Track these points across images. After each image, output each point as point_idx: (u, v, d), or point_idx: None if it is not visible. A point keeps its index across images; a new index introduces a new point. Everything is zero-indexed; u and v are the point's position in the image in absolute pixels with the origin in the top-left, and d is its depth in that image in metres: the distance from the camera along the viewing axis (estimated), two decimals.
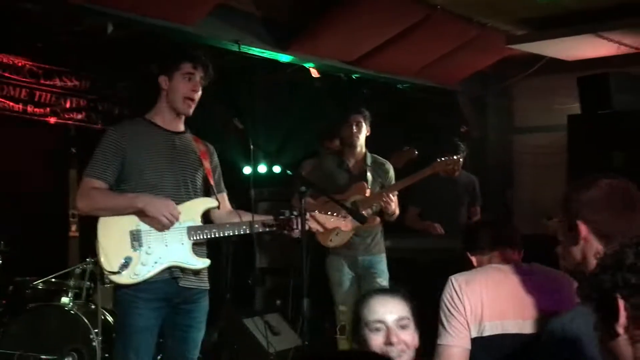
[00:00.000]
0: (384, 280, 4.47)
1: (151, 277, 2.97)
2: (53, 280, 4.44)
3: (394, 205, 4.38)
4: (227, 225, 3.10)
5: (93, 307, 4.32)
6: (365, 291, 2.20)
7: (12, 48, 5.39)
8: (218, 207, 3.18)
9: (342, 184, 4.55)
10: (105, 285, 4.33)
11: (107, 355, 4.08)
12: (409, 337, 2.05)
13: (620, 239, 1.52)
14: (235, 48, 4.93)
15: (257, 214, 3.21)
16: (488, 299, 2.32)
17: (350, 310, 2.24)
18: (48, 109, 5.69)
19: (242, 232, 3.09)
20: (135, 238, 2.98)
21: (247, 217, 3.14)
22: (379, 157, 4.67)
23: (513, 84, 6.78)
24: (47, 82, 5.70)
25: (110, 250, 2.97)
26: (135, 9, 4.24)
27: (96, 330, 4.09)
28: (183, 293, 3.07)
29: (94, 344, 4.06)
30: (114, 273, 2.95)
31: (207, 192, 3.21)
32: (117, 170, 3.04)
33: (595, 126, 5.49)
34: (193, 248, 3.06)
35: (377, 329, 2.04)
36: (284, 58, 5.33)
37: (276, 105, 6.59)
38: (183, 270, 3.05)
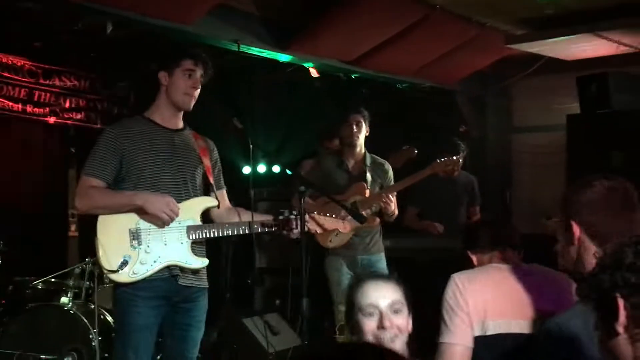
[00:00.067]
0: None
1: (150, 276, 2.97)
2: (52, 280, 4.44)
3: (394, 206, 4.39)
4: (227, 225, 3.09)
5: (92, 306, 4.32)
6: (359, 276, 2.20)
7: (12, 48, 5.39)
8: (218, 207, 3.18)
9: (341, 184, 4.54)
10: (105, 285, 4.34)
11: (106, 355, 4.08)
12: (402, 321, 2.06)
13: (617, 239, 1.53)
14: (234, 48, 4.93)
15: (256, 213, 3.21)
16: (492, 297, 2.32)
17: (345, 295, 2.24)
18: (47, 109, 5.69)
19: (241, 232, 3.09)
20: (135, 237, 2.98)
21: (246, 215, 3.14)
22: (378, 157, 4.67)
23: (512, 83, 6.78)
24: (47, 82, 5.70)
25: (110, 248, 2.97)
26: (135, 8, 4.24)
27: (95, 330, 4.09)
28: (182, 291, 3.07)
29: (93, 343, 4.06)
30: (113, 272, 2.95)
31: (207, 189, 3.21)
32: (115, 169, 3.03)
33: (594, 126, 5.49)
34: (192, 247, 3.05)
35: (370, 314, 2.05)
36: (284, 58, 5.33)
37: (275, 105, 6.59)
38: (182, 269, 3.05)
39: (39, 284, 4.43)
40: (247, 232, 3.08)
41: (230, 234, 3.09)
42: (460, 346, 2.29)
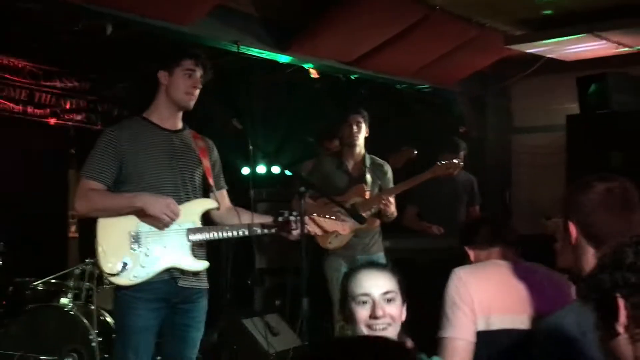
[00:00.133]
0: None
1: (151, 279, 2.97)
2: (52, 281, 4.44)
3: (393, 207, 4.39)
4: (227, 227, 3.09)
5: (92, 307, 4.32)
6: (353, 265, 2.21)
7: (12, 49, 5.39)
8: (218, 209, 3.18)
9: (340, 185, 4.55)
10: (105, 286, 4.34)
11: (106, 355, 4.08)
12: (395, 310, 2.07)
13: (615, 240, 1.53)
14: (234, 49, 4.93)
15: (256, 214, 3.21)
16: (495, 292, 2.32)
17: (339, 284, 2.25)
18: (48, 110, 5.69)
19: (241, 234, 3.09)
20: (135, 239, 2.98)
21: (246, 216, 3.14)
22: (378, 158, 4.67)
23: (512, 84, 6.78)
24: (47, 83, 5.70)
25: (110, 251, 2.97)
26: (135, 9, 4.24)
27: (96, 331, 4.09)
28: (182, 293, 3.07)
29: (93, 344, 4.06)
30: (113, 275, 2.95)
31: (207, 190, 3.21)
32: (114, 171, 3.03)
33: (593, 126, 5.49)
34: (192, 249, 3.05)
35: (364, 302, 2.06)
36: (283, 59, 5.33)
37: (275, 105, 6.59)
38: (182, 271, 3.05)
39: (39, 285, 4.44)
40: (246, 234, 3.08)
41: (230, 236, 3.09)
42: (463, 340, 2.27)
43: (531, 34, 5.55)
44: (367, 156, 4.62)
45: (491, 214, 5.05)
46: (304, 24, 5.03)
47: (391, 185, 4.62)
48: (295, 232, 3.04)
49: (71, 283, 4.37)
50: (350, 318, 2.09)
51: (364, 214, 4.12)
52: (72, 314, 4.19)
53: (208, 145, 3.27)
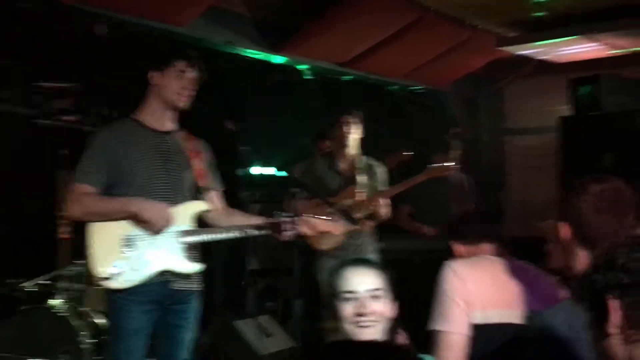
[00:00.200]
0: None
1: (143, 282, 2.96)
2: (43, 282, 4.42)
3: (386, 209, 4.39)
4: (220, 229, 3.08)
5: (83, 309, 4.30)
6: (340, 262, 2.20)
7: (3, 48, 5.36)
8: (209, 211, 3.16)
9: (333, 186, 4.54)
10: (96, 287, 4.32)
11: (98, 357, 4.06)
12: (381, 307, 2.06)
13: (607, 242, 1.53)
14: (227, 49, 4.92)
15: (249, 215, 3.20)
16: (491, 287, 2.30)
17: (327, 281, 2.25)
18: (39, 110, 5.66)
19: (234, 236, 3.08)
20: (127, 243, 2.96)
21: (239, 216, 3.12)
22: (371, 159, 4.67)
23: (504, 85, 6.80)
24: (38, 83, 5.66)
25: (102, 255, 2.94)
26: (128, 10, 4.23)
27: (87, 333, 4.07)
28: (175, 295, 3.05)
29: (83, 346, 4.04)
30: (105, 279, 2.93)
31: (199, 192, 3.19)
32: (106, 174, 3.00)
33: (586, 128, 5.51)
34: (185, 252, 3.04)
35: (349, 299, 2.06)
36: (277, 59, 5.33)
37: (268, 106, 6.58)
38: (175, 274, 3.03)
39: (29, 286, 4.41)
40: (239, 235, 3.07)
41: (223, 238, 3.08)
42: (458, 334, 2.25)
43: (524, 36, 5.57)
44: (361, 157, 4.62)
45: (481, 210, 5.06)
46: (298, 25, 5.03)
47: (384, 186, 4.61)
48: (288, 233, 3.03)
49: (62, 284, 4.35)
50: (336, 315, 2.09)
51: (356, 215, 4.11)
52: (62, 316, 4.17)
53: (201, 146, 3.25)
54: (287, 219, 3.04)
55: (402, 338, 2.20)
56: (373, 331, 2.03)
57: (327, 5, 4.86)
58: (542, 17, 5.20)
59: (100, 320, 4.23)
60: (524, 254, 2.52)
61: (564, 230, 1.92)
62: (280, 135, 6.50)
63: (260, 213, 3.46)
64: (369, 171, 4.60)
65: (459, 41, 5.51)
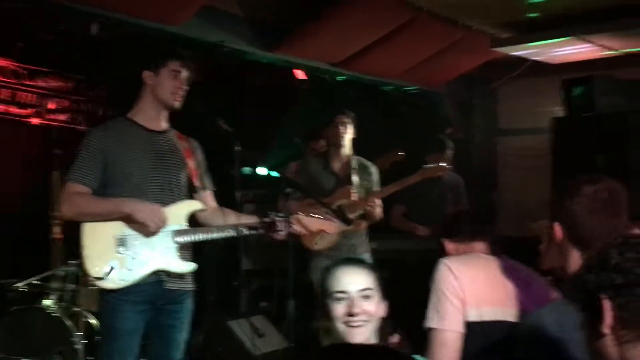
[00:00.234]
0: None
1: (137, 282, 2.95)
2: (36, 282, 4.40)
3: (379, 209, 4.40)
4: (213, 228, 3.08)
5: (76, 309, 4.28)
6: (331, 262, 2.20)
7: None
8: (203, 210, 3.16)
9: (327, 186, 4.54)
10: (89, 288, 4.30)
11: (90, 357, 4.05)
12: (372, 307, 2.06)
13: (600, 242, 1.53)
14: (221, 49, 4.91)
15: (242, 215, 3.20)
16: (485, 285, 2.30)
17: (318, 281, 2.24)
18: (31, 110, 5.64)
19: (227, 235, 3.07)
20: (121, 243, 2.95)
21: (232, 216, 3.13)
22: (364, 160, 4.67)
23: (498, 86, 6.82)
24: (30, 83, 5.64)
25: (96, 255, 2.94)
26: (121, 9, 4.21)
27: (79, 333, 4.05)
28: (168, 295, 3.05)
29: (76, 346, 4.03)
30: (99, 279, 2.92)
31: (192, 191, 3.19)
32: (100, 173, 2.99)
33: (579, 129, 5.53)
34: (179, 252, 3.03)
35: (340, 299, 2.06)
36: (270, 60, 5.32)
37: (262, 106, 6.57)
38: (169, 273, 3.03)
39: (22, 286, 4.39)
40: (233, 235, 3.07)
41: (216, 237, 3.08)
42: (452, 332, 2.25)
43: (517, 37, 5.58)
44: (354, 157, 4.62)
45: (473, 209, 5.07)
46: (292, 25, 5.03)
47: (378, 187, 4.62)
48: (282, 232, 3.03)
49: (55, 285, 4.33)
50: (327, 315, 2.09)
51: (350, 216, 4.12)
52: (55, 316, 4.16)
53: (193, 145, 3.25)
54: (281, 218, 3.04)
55: (396, 339, 2.20)
56: (364, 331, 2.03)
57: (321, 5, 4.86)
58: (535, 18, 5.21)
59: (93, 321, 4.22)
60: (517, 254, 2.52)
61: (558, 231, 1.92)
62: (273, 135, 6.50)
63: (253, 213, 3.46)
64: (363, 171, 4.60)
65: (452, 42, 5.51)
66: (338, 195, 4.46)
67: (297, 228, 3.10)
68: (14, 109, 5.53)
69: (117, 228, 2.96)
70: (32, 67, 5.63)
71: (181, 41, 4.64)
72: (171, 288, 3.05)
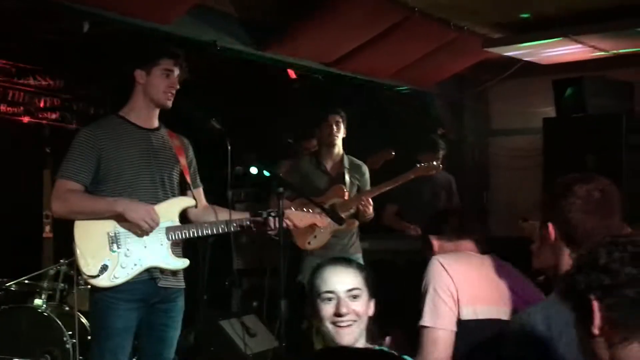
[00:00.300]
0: None
1: (131, 279, 2.94)
2: (26, 281, 4.37)
3: (371, 209, 4.40)
4: (205, 225, 3.08)
5: (67, 309, 4.26)
6: (320, 262, 2.20)
7: None
8: (195, 206, 3.16)
9: (319, 185, 4.54)
10: (79, 287, 4.28)
11: (81, 357, 4.03)
12: (360, 307, 2.06)
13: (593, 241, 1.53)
14: (213, 48, 4.90)
15: (233, 212, 3.19)
16: (479, 283, 2.30)
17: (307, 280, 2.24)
18: (22, 108, 5.60)
19: (220, 231, 3.07)
20: (114, 240, 2.94)
21: (223, 213, 3.12)
22: (356, 159, 4.68)
23: (489, 87, 6.83)
24: (21, 81, 5.61)
25: (89, 253, 2.93)
26: (113, 7, 4.20)
27: (70, 333, 4.03)
28: (161, 293, 3.05)
29: (67, 346, 4.01)
30: (93, 277, 2.91)
31: (184, 189, 3.19)
32: (92, 170, 2.98)
33: (570, 129, 5.55)
34: (172, 248, 3.03)
35: (328, 299, 2.05)
36: (262, 59, 5.31)
37: (254, 105, 6.56)
38: (162, 270, 3.02)
39: (12, 285, 4.36)
40: (225, 230, 3.06)
41: (209, 233, 3.07)
42: (444, 330, 2.24)
43: (509, 37, 5.59)
44: (346, 157, 4.62)
45: (460, 207, 5.08)
46: (284, 24, 5.02)
47: (369, 186, 4.62)
48: (274, 227, 3.03)
49: (45, 284, 4.31)
50: (315, 315, 2.09)
51: (342, 215, 4.12)
52: (45, 315, 4.13)
53: (184, 143, 3.25)
54: (273, 213, 3.04)
55: (388, 342, 2.19)
56: (352, 330, 2.03)
57: (314, 5, 4.85)
58: (527, 18, 5.23)
59: (84, 320, 4.20)
60: (508, 253, 2.53)
61: (552, 232, 1.92)
62: (265, 134, 6.49)
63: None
64: (355, 170, 4.61)
65: (444, 42, 5.52)
66: (330, 194, 4.46)
67: (288, 222, 3.10)
68: (4, 107, 5.50)
69: (110, 226, 2.95)
70: (23, 65, 5.60)
71: (173, 40, 4.63)
72: (164, 286, 3.04)
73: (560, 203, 1.92)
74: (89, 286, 3.05)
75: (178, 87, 3.10)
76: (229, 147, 3.17)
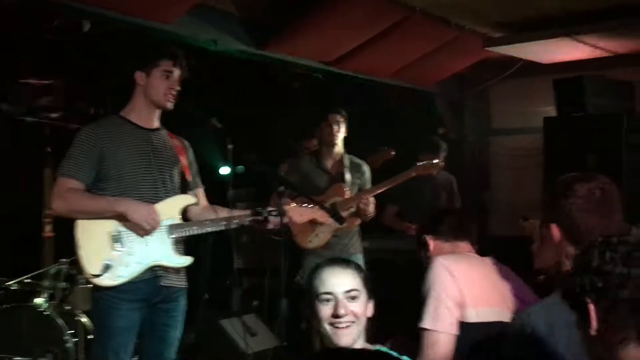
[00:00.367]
0: None
1: (134, 278, 2.94)
2: (27, 281, 4.38)
3: (372, 207, 4.40)
4: (207, 222, 3.09)
5: (67, 308, 4.27)
6: (318, 263, 2.20)
7: None
8: (197, 204, 3.17)
9: (319, 184, 4.54)
10: (80, 287, 4.29)
11: (81, 357, 4.04)
12: (358, 308, 2.06)
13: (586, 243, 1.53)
14: (213, 47, 4.90)
15: (234, 210, 3.20)
16: (481, 285, 2.30)
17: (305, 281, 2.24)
18: (22, 108, 5.61)
19: (221, 228, 3.08)
20: (116, 239, 2.95)
21: (223, 213, 3.13)
22: (356, 158, 4.68)
23: (490, 86, 6.83)
24: (21, 81, 5.61)
25: (91, 253, 2.93)
26: (113, 6, 4.20)
27: (71, 332, 4.04)
28: (163, 292, 3.05)
29: (68, 345, 4.01)
30: (96, 276, 2.91)
31: (185, 188, 3.19)
32: (93, 169, 2.99)
33: (570, 129, 5.55)
34: (174, 246, 3.03)
35: (326, 301, 2.05)
36: (263, 58, 5.31)
37: (254, 104, 6.56)
38: (165, 268, 3.02)
39: (13, 284, 4.37)
40: (227, 227, 3.07)
41: (210, 230, 3.08)
42: (445, 334, 2.24)
43: (509, 37, 5.59)
44: (346, 156, 4.63)
45: (458, 208, 5.07)
46: (284, 23, 5.02)
47: (369, 185, 4.62)
48: (274, 221, 3.04)
49: (46, 283, 4.31)
50: (313, 316, 2.08)
51: (343, 214, 4.12)
52: (46, 315, 4.14)
53: (184, 144, 3.27)
54: (273, 209, 3.05)
55: (388, 346, 2.19)
56: (350, 331, 2.03)
57: (314, 4, 4.85)
58: (528, 18, 5.23)
59: (85, 320, 4.21)
60: (509, 253, 2.53)
61: (555, 232, 1.92)
62: (266, 133, 6.50)
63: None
64: (355, 170, 4.61)
65: (444, 41, 5.52)
66: (331, 193, 4.46)
67: (289, 216, 3.10)
68: (5, 107, 5.50)
69: (112, 225, 2.95)
70: (23, 65, 5.60)
71: (173, 39, 4.63)
72: (166, 285, 3.04)
73: (561, 202, 1.92)
74: (90, 285, 3.05)
75: (179, 88, 3.11)
76: (229, 146, 3.17)
